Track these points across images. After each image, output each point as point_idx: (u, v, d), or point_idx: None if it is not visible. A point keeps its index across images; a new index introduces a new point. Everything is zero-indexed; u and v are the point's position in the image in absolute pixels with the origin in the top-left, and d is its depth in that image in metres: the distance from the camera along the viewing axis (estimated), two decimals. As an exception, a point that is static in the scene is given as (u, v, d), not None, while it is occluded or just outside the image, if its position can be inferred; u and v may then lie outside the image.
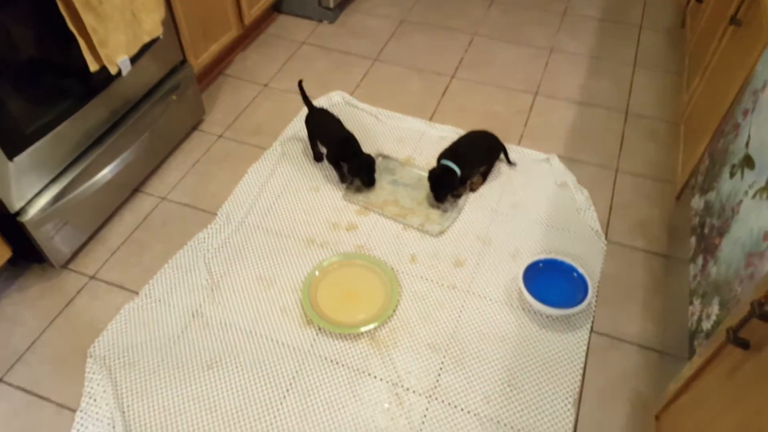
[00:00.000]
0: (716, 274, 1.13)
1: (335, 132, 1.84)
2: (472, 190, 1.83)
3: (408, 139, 2.02)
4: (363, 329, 1.45)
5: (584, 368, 1.42)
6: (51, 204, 1.51)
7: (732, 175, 1.23)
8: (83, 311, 1.54)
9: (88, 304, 1.56)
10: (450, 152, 1.76)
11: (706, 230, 1.28)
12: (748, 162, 1.16)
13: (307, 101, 1.93)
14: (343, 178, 1.86)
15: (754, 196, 1.07)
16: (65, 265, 1.65)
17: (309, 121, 1.91)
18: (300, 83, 1.95)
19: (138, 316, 1.51)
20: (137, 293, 1.57)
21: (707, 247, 1.24)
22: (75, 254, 1.67)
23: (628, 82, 2.27)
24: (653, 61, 2.37)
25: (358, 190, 1.84)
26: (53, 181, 1.54)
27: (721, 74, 1.58)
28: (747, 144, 1.19)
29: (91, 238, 1.71)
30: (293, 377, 1.39)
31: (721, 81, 1.55)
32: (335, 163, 1.84)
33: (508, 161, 1.91)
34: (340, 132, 1.84)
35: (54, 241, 1.56)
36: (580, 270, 1.54)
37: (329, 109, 1.95)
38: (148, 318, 1.51)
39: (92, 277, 1.62)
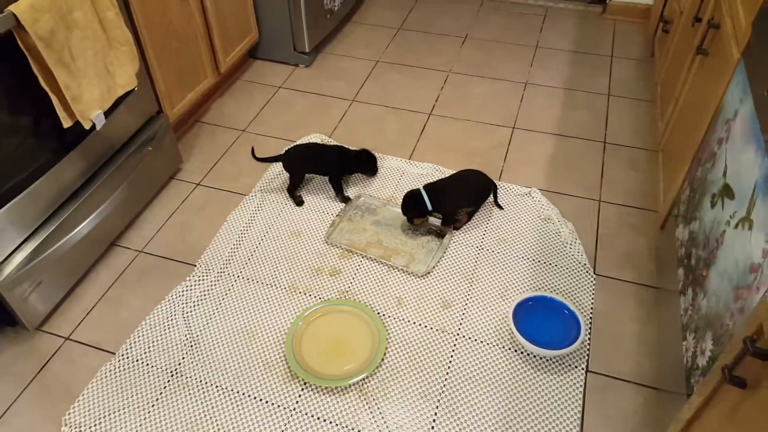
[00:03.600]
0: (707, 308, 1.11)
1: (324, 152, 1.91)
2: (456, 228, 1.81)
3: (388, 178, 2.01)
4: (351, 381, 1.40)
5: (582, 411, 1.37)
6: (25, 264, 1.46)
7: (713, 204, 1.22)
8: (58, 375, 1.47)
9: (63, 367, 1.49)
10: (432, 186, 1.76)
11: (693, 261, 1.27)
12: (727, 191, 1.15)
13: (271, 159, 1.91)
14: (345, 199, 1.91)
15: (736, 227, 1.06)
16: (39, 327, 1.58)
17: (290, 162, 1.89)
18: (252, 151, 1.93)
19: (114, 378, 1.44)
20: (114, 353, 1.51)
21: (695, 279, 1.22)
22: (49, 315, 1.61)
23: (603, 112, 2.30)
24: (627, 91, 2.41)
25: (344, 201, 1.90)
26: (27, 239, 1.49)
27: (692, 103, 1.60)
28: (725, 173, 1.19)
29: (65, 297, 1.65)
30: (279, 437, 1.33)
31: (694, 110, 1.56)
32: (337, 182, 1.91)
33: (496, 203, 1.87)
34: (328, 149, 1.91)
35: (28, 302, 1.50)
36: (571, 307, 1.51)
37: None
38: (125, 380, 1.44)
39: (67, 338, 1.55)
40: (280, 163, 1.95)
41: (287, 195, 1.94)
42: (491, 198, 1.87)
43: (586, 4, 3.00)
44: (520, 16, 2.94)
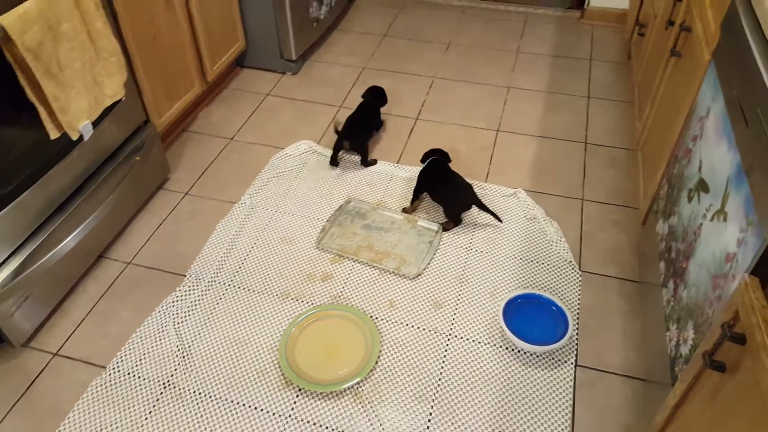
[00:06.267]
0: (687, 298, 1.14)
1: (366, 113, 2.18)
2: (445, 229, 1.83)
3: (377, 182, 2.03)
4: (345, 385, 1.41)
5: (573, 405, 1.40)
6: (11, 279, 1.45)
7: (690, 199, 1.26)
8: (47, 392, 1.46)
9: (52, 383, 1.48)
10: (434, 161, 1.93)
11: (673, 254, 1.31)
12: (702, 186, 1.19)
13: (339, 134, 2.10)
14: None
15: (712, 219, 1.10)
16: (26, 343, 1.56)
17: (356, 138, 2.10)
18: (335, 128, 2.17)
19: (106, 392, 1.44)
20: (104, 367, 1.50)
21: (676, 271, 1.26)
22: (36, 330, 1.59)
23: (584, 113, 2.35)
24: (605, 93, 2.46)
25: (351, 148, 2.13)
26: (13, 253, 1.48)
27: (668, 103, 1.65)
28: (700, 168, 1.23)
29: (53, 311, 1.64)
30: (275, 442, 1.34)
31: (670, 109, 1.61)
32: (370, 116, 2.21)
33: (496, 217, 1.84)
34: (366, 109, 2.18)
35: (14, 318, 1.48)
36: (559, 303, 1.54)
37: (296, 157, 2.02)
38: (116, 394, 1.43)
39: (56, 354, 1.54)
40: (263, 170, 1.96)
41: (279, 197, 1.95)
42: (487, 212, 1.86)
43: (564, 10, 3.07)
44: (501, 22, 3.00)
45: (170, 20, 1.98)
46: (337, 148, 2.09)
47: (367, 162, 2.11)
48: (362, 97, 2.23)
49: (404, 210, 1.91)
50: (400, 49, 2.79)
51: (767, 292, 0.82)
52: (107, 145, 1.75)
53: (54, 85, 1.41)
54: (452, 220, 1.85)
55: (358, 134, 2.11)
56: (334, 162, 2.11)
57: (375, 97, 2.22)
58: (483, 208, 1.82)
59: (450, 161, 1.95)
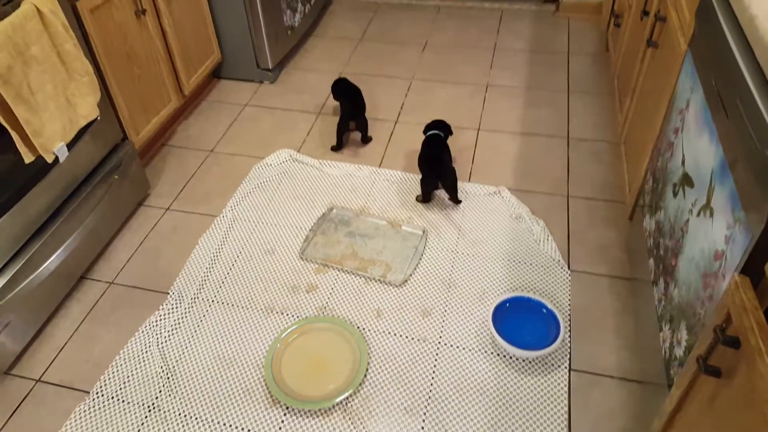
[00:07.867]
0: (679, 297, 1.12)
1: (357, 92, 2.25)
2: (417, 200, 1.83)
3: (360, 188, 2.00)
4: (334, 402, 1.38)
5: (569, 412, 1.38)
6: (-11, 306, 1.41)
7: (675, 194, 1.24)
8: (30, 421, 1.42)
9: (35, 411, 1.43)
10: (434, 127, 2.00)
11: (662, 251, 1.29)
12: (687, 180, 1.18)
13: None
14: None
15: (698, 215, 1.08)
16: (8, 371, 1.52)
17: (342, 94, 2.23)
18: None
19: (90, 418, 1.40)
20: (88, 392, 1.46)
21: (666, 269, 1.24)
22: (19, 357, 1.55)
23: (564, 108, 2.33)
24: (585, 86, 2.45)
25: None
26: (-9, 280, 1.44)
27: (648, 94, 1.63)
28: (683, 162, 1.21)
29: (35, 336, 1.60)
30: (265, 463, 1.30)
31: (650, 101, 1.60)
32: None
33: (453, 199, 1.92)
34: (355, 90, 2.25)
35: (-6, 346, 1.45)
36: (549, 305, 1.52)
37: (277, 166, 1.99)
38: (100, 420, 1.39)
39: (38, 381, 1.50)
40: (250, 182, 1.92)
41: (260, 208, 1.92)
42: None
43: (540, 4, 3.06)
44: (476, 19, 2.98)
45: (143, 37, 1.94)
46: (341, 132, 2.16)
47: (366, 137, 2.23)
48: (333, 89, 2.27)
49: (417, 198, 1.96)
50: (376, 52, 2.76)
51: (759, 292, 0.79)
52: (84, 165, 1.71)
53: (25, 109, 1.38)
54: (422, 190, 1.91)
55: (359, 109, 2.19)
56: (339, 147, 2.18)
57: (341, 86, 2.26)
58: (449, 186, 1.87)
59: (451, 134, 2.03)
